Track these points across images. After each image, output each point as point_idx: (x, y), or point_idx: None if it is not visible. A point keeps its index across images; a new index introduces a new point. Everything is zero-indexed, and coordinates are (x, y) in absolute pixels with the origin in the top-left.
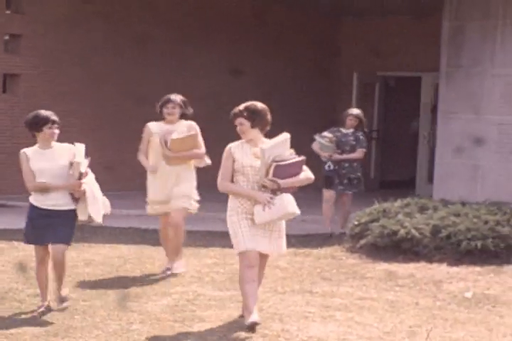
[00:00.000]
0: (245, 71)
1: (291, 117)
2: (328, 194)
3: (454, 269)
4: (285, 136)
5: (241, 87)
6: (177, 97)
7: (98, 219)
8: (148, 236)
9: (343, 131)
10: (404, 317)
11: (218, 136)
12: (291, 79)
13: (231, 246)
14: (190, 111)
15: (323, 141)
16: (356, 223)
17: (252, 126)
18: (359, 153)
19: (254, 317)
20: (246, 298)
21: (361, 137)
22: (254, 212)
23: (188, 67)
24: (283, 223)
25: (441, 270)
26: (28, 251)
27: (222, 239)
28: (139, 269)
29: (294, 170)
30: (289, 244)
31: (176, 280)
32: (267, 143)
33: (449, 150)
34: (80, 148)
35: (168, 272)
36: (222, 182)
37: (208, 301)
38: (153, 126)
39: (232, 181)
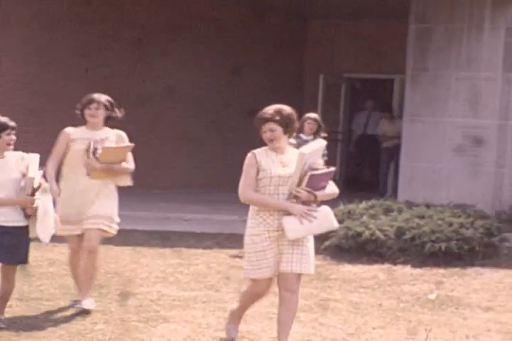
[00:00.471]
0: (210, 72)
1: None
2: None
3: (418, 271)
4: (321, 143)
5: (204, 87)
6: (102, 97)
7: (45, 239)
8: (112, 236)
9: (303, 137)
10: (368, 318)
11: (160, 137)
12: (256, 81)
13: (196, 247)
14: (117, 114)
15: None
16: None
17: (284, 133)
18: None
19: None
20: (240, 310)
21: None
22: (286, 226)
23: (152, 66)
24: (311, 237)
25: (405, 272)
26: None
27: (185, 238)
28: (103, 269)
29: (324, 181)
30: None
31: (141, 281)
32: (306, 147)
33: (414, 152)
34: (33, 159)
35: (77, 306)
36: (246, 192)
37: (172, 301)
38: (72, 132)
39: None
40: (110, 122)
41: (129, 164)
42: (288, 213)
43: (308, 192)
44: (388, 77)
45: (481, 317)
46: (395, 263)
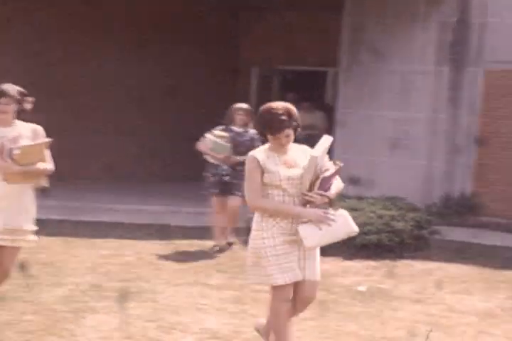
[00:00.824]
0: (143, 63)
1: (192, 113)
2: (222, 202)
3: (349, 263)
4: (329, 140)
5: (137, 78)
6: (11, 88)
7: None
8: (42, 226)
9: (235, 129)
10: None
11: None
12: (189, 74)
13: (127, 237)
14: (28, 106)
15: (219, 141)
16: (251, 216)
17: (295, 132)
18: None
19: None
20: (282, 338)
21: (256, 136)
22: (302, 234)
23: (93, 59)
24: None
25: (335, 264)
26: None
27: (117, 229)
28: (33, 259)
29: (333, 179)
30: (185, 236)
31: (71, 271)
32: (316, 149)
33: (347, 145)
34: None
35: None
36: (255, 199)
37: (102, 292)
38: None
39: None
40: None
41: (48, 164)
42: (303, 220)
43: (322, 195)
44: (322, 70)
45: (411, 309)
46: (326, 255)
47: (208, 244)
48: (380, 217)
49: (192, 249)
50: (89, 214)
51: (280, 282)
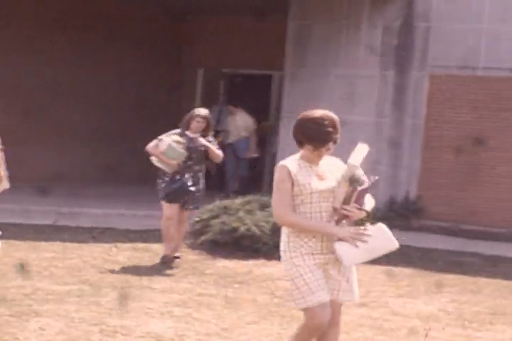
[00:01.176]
0: (87, 66)
1: (138, 114)
2: (172, 210)
3: None
4: (366, 149)
5: (84, 81)
6: None
7: None
8: None
9: (190, 135)
10: (242, 313)
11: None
12: (136, 76)
13: (71, 240)
14: None
15: (176, 146)
16: (197, 219)
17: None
18: (219, 158)
19: None
20: None
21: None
22: (340, 252)
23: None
24: None
25: (279, 267)
26: None
27: (62, 232)
28: None
29: (367, 193)
30: (129, 239)
31: (14, 274)
32: (353, 158)
33: (292, 149)
34: None
35: None
36: (285, 214)
37: (45, 295)
38: None
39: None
40: None
41: (2, 168)
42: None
43: (360, 209)
44: (267, 73)
45: (354, 312)
46: (270, 259)
47: (152, 247)
48: None
49: (136, 252)
50: (33, 217)
51: (307, 305)
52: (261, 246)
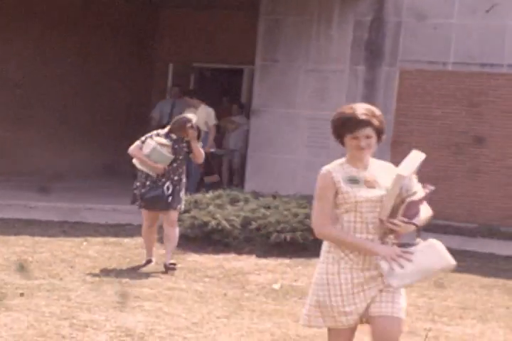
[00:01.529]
0: (58, 59)
1: (108, 109)
2: (151, 217)
3: (263, 261)
4: (421, 157)
5: (51, 75)
6: None
7: None
8: None
9: (174, 136)
10: (212, 307)
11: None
12: (106, 69)
13: (41, 234)
14: None
15: (161, 149)
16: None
17: (378, 141)
18: (201, 158)
19: None
20: None
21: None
22: (386, 271)
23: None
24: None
25: (250, 261)
26: None
27: (31, 226)
28: None
29: (421, 204)
30: (99, 234)
31: None
32: (404, 166)
33: (261, 143)
34: None
35: None
36: (324, 226)
37: (15, 290)
38: None
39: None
40: None
41: None
42: None
43: (407, 223)
44: (238, 68)
45: None
46: (240, 253)
47: (122, 241)
48: (295, 215)
49: (106, 247)
50: (3, 211)
51: (336, 323)
52: (231, 240)
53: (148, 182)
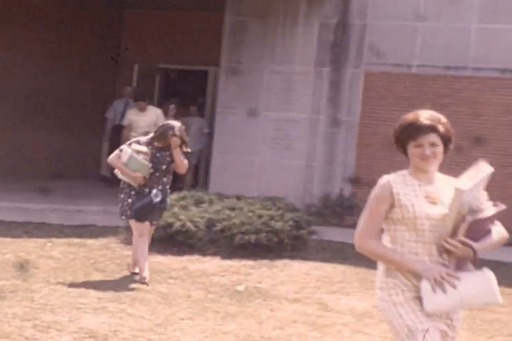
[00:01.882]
0: (24, 58)
1: (71, 109)
2: (143, 227)
3: (227, 262)
4: (487, 170)
5: (17, 73)
6: None
7: None
8: None
9: (157, 144)
10: (176, 309)
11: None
12: (71, 69)
13: (4, 235)
14: None
15: (137, 157)
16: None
17: (444, 151)
18: (184, 168)
19: None
20: None
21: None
22: (423, 294)
23: None
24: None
25: (214, 263)
26: None
27: None
28: None
29: (489, 225)
30: (64, 235)
31: None
32: (463, 180)
33: (226, 144)
34: None
35: None
36: (366, 239)
37: None
38: None
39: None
40: None
41: None
42: None
43: (466, 244)
44: (202, 69)
45: (288, 308)
46: (204, 255)
47: (87, 242)
48: (259, 216)
49: (70, 248)
50: None
51: (421, 329)
52: (195, 241)
53: (133, 192)
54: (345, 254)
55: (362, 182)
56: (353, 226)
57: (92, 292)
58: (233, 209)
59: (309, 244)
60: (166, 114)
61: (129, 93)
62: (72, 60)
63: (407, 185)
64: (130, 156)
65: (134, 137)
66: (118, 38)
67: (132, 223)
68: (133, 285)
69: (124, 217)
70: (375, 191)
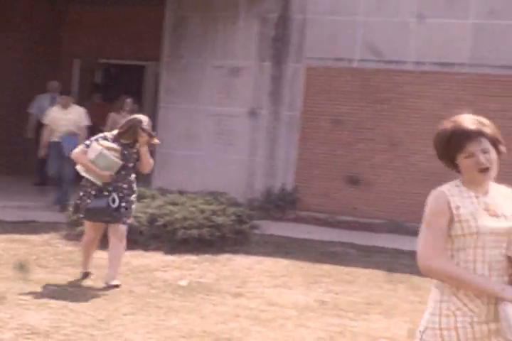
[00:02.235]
0: None
1: (9, 104)
2: (95, 228)
3: (170, 257)
4: None
5: None
6: None
7: None
8: None
9: (123, 141)
10: (119, 304)
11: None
12: (10, 64)
13: None
14: None
15: (108, 154)
16: (74, 210)
17: (498, 155)
18: (149, 167)
19: None
20: None
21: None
22: (503, 318)
23: None
24: None
25: (156, 258)
26: None
27: None
28: None
29: None
30: (4, 231)
31: None
32: None
33: (168, 139)
34: None
35: None
36: (433, 258)
37: None
38: None
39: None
40: None
41: None
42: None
43: None
44: (141, 64)
45: (231, 303)
46: (147, 250)
47: (28, 238)
48: (201, 211)
49: (11, 244)
50: None
51: None
52: (138, 237)
53: (93, 192)
54: (288, 248)
55: (362, 182)
56: (295, 220)
57: (33, 288)
58: (175, 204)
59: (251, 239)
60: (122, 109)
61: (55, 88)
62: (12, 54)
63: (464, 198)
64: (100, 153)
65: (56, 136)
66: (60, 32)
67: (86, 223)
68: (75, 281)
69: (77, 215)
70: (430, 205)
